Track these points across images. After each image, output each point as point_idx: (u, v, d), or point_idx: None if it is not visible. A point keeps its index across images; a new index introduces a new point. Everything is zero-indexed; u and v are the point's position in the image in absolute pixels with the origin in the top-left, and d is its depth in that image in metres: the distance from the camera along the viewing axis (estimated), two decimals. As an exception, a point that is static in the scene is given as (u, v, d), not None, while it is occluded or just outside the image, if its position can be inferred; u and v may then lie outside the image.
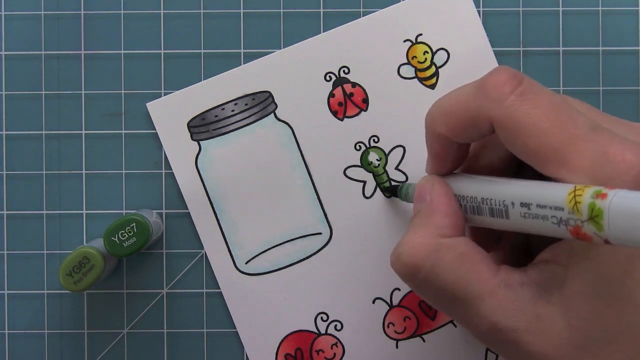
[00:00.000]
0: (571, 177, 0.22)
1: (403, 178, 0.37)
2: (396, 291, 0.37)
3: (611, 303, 0.23)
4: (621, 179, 0.21)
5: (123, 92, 0.37)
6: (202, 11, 0.37)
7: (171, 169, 0.37)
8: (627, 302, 0.23)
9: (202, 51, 0.37)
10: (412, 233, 0.26)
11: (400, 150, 0.37)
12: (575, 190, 0.21)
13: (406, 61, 0.37)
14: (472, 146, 0.29)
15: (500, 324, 0.24)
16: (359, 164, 0.37)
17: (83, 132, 0.37)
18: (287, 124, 0.37)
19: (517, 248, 0.30)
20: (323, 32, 0.37)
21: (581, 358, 0.23)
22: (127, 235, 0.33)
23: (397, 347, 0.37)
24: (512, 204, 0.24)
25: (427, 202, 0.27)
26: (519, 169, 0.28)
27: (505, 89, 0.24)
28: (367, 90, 0.37)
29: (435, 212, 0.26)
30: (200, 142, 0.37)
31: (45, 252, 0.37)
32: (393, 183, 0.37)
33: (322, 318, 0.37)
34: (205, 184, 0.37)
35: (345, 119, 0.37)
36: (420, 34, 0.37)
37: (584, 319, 0.23)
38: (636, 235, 0.19)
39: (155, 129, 0.37)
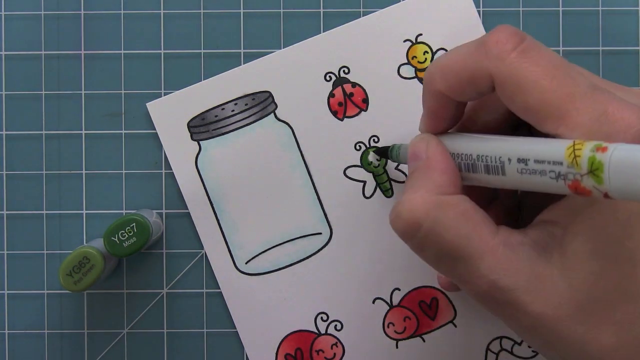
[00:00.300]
0: (570, 133, 0.22)
1: (403, 178, 0.37)
2: (396, 291, 0.37)
3: (611, 263, 0.23)
4: (620, 137, 0.22)
5: (123, 92, 0.37)
6: (202, 11, 0.37)
7: (171, 169, 0.37)
8: (628, 263, 0.23)
9: (202, 51, 0.37)
10: (411, 191, 0.26)
11: (400, 150, 0.37)
12: (574, 145, 0.21)
13: (406, 61, 0.37)
14: (467, 107, 0.28)
15: (499, 282, 0.24)
16: (359, 164, 0.37)
17: (83, 132, 0.37)
18: (287, 124, 0.37)
19: (510, 210, 0.30)
20: (323, 32, 0.37)
21: (581, 318, 0.23)
22: (127, 235, 0.33)
23: (397, 347, 0.37)
24: (509, 160, 0.24)
25: (422, 160, 0.27)
26: (514, 131, 0.28)
27: (506, 46, 0.24)
28: (367, 90, 0.37)
29: (432, 169, 0.26)
30: (200, 142, 0.37)
31: (45, 252, 0.37)
32: (396, 183, 0.37)
33: (322, 318, 0.37)
34: (205, 184, 0.37)
35: (345, 119, 0.37)
36: (420, 34, 0.37)
37: (584, 279, 0.23)
38: (637, 188, 0.19)
39: (155, 129, 0.37)
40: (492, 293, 0.24)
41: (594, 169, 0.20)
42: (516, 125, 0.28)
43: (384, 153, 0.35)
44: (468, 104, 0.28)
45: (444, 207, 0.25)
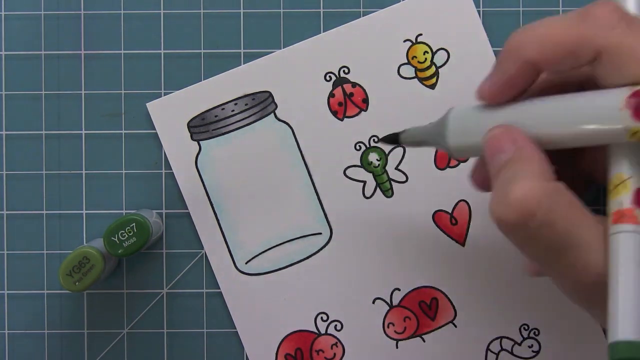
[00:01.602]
0: None
1: (403, 178, 0.37)
2: (396, 291, 0.37)
3: None
4: None
5: (123, 92, 0.37)
6: (202, 11, 0.37)
7: (171, 169, 0.37)
8: None
9: (202, 51, 0.37)
10: (515, 182, 0.24)
11: (400, 150, 0.37)
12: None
13: (406, 61, 0.37)
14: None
15: (607, 274, 0.23)
16: (359, 164, 0.37)
17: (83, 132, 0.37)
18: (287, 124, 0.37)
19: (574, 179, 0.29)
20: (323, 32, 0.37)
21: None
22: (127, 235, 0.33)
23: (397, 347, 0.37)
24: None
25: (511, 152, 0.25)
26: None
27: (614, 16, 0.24)
28: (367, 90, 0.37)
29: (530, 158, 0.25)
30: (200, 142, 0.37)
31: (45, 252, 0.37)
32: (396, 183, 0.37)
33: (322, 318, 0.37)
34: (205, 184, 0.37)
35: (345, 119, 0.37)
36: (420, 34, 0.37)
37: None
38: None
39: (155, 129, 0.37)
40: (597, 286, 0.23)
41: None
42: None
43: (393, 139, 0.32)
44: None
45: (557, 194, 0.24)
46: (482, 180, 0.30)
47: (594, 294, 0.24)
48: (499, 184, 0.25)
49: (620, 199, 0.24)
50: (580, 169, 0.30)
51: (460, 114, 0.28)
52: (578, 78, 0.28)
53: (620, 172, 0.24)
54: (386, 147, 0.37)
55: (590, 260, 0.24)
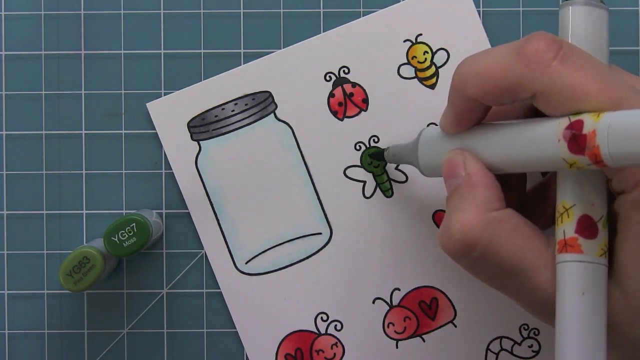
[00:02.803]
0: None
1: (403, 178, 0.37)
2: (396, 291, 0.37)
3: None
4: None
5: (123, 92, 0.37)
6: (202, 11, 0.37)
7: (171, 169, 0.37)
8: None
9: (202, 51, 0.37)
10: (459, 211, 0.25)
11: (400, 150, 0.37)
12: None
13: (406, 61, 0.37)
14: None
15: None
16: (359, 164, 0.37)
17: (83, 132, 0.37)
18: (287, 124, 0.37)
19: (526, 197, 0.30)
20: (323, 32, 0.37)
21: (639, 324, 0.23)
22: (127, 235, 0.33)
23: (397, 347, 0.37)
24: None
25: (462, 177, 0.26)
26: None
27: (547, 54, 0.23)
28: (367, 90, 0.37)
29: (476, 186, 0.26)
30: (200, 142, 0.37)
31: (45, 252, 0.37)
32: (396, 183, 0.37)
33: (322, 318, 0.37)
34: (205, 184, 0.37)
35: (345, 119, 0.37)
36: (420, 34, 0.37)
37: (638, 286, 0.23)
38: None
39: (155, 129, 0.37)
40: (551, 305, 0.24)
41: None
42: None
43: (379, 156, 0.35)
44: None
45: (497, 224, 0.25)
46: None
47: (549, 312, 0.24)
48: (447, 212, 0.26)
49: (564, 227, 0.24)
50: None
51: (429, 135, 0.30)
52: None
53: (564, 199, 0.24)
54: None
55: (537, 283, 0.24)
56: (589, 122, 0.22)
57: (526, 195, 0.31)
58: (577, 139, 0.22)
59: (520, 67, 0.24)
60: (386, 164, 0.37)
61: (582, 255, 0.23)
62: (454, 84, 0.27)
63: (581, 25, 0.26)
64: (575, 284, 0.23)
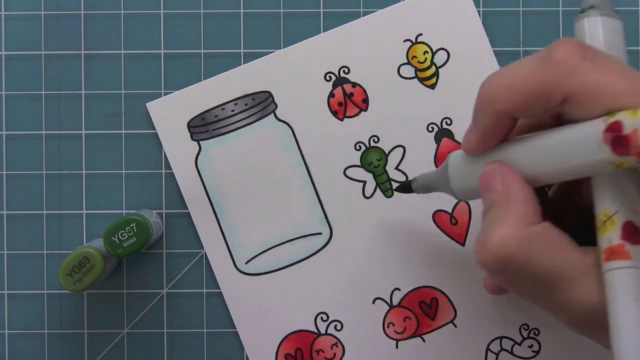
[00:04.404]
0: None
1: (403, 178, 0.37)
2: (396, 291, 0.37)
3: None
4: None
5: (123, 92, 0.37)
6: (202, 11, 0.37)
7: (171, 169, 0.37)
8: None
9: (202, 51, 0.37)
10: (496, 226, 0.25)
11: (400, 150, 0.37)
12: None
13: (406, 61, 0.37)
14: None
15: (599, 304, 0.23)
16: (359, 164, 0.37)
17: (83, 132, 0.37)
18: (287, 124, 0.37)
19: (583, 229, 0.30)
20: (323, 32, 0.37)
21: None
22: (127, 235, 0.33)
23: (397, 347, 0.37)
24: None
25: (499, 192, 0.26)
26: None
27: (575, 56, 0.24)
28: (367, 90, 0.37)
29: (514, 201, 0.25)
30: (200, 142, 0.37)
31: (45, 252, 0.37)
32: (396, 183, 0.37)
33: (322, 318, 0.37)
34: (205, 184, 0.37)
35: (345, 119, 0.37)
36: (420, 34, 0.37)
37: None
38: None
39: (155, 129, 0.37)
40: (592, 316, 0.24)
41: None
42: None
43: (407, 188, 0.33)
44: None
45: (534, 239, 0.25)
46: (494, 287, 0.32)
47: (589, 324, 0.24)
48: (484, 226, 0.26)
49: (609, 235, 0.23)
50: (583, 200, 0.31)
51: (457, 159, 0.29)
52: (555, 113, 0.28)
53: (606, 208, 0.24)
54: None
55: (578, 295, 0.24)
56: (628, 121, 0.22)
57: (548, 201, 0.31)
58: (620, 141, 0.22)
59: (549, 71, 0.24)
60: (386, 163, 0.37)
61: (631, 261, 0.23)
62: (481, 101, 0.27)
63: (598, 35, 0.26)
64: (628, 290, 0.23)
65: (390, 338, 0.37)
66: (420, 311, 0.37)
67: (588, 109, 0.23)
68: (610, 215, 0.24)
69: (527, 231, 0.25)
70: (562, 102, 0.24)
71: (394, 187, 0.36)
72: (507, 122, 0.26)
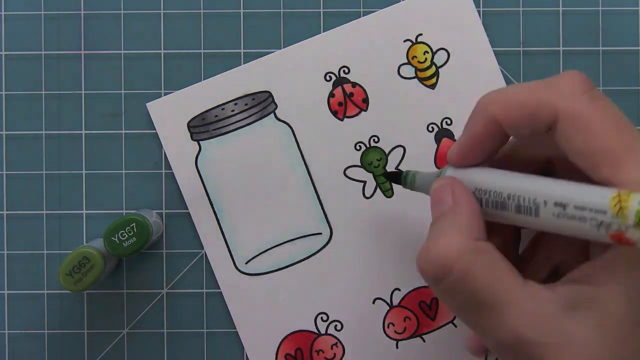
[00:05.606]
0: (624, 184, 0.23)
1: (403, 178, 0.37)
2: (396, 291, 0.37)
3: None
4: None
5: (123, 92, 0.37)
6: (202, 11, 0.37)
7: (171, 169, 0.37)
8: None
9: (202, 51, 0.37)
10: (440, 234, 0.26)
11: (400, 150, 0.37)
12: (619, 195, 0.22)
13: (406, 61, 0.37)
14: (506, 145, 0.28)
15: (525, 335, 0.23)
16: (359, 164, 0.37)
17: (83, 132, 0.37)
18: (287, 124, 0.37)
19: (508, 244, 0.30)
20: (323, 32, 0.37)
21: None
22: (127, 235, 0.33)
23: (397, 347, 0.37)
24: (545, 202, 0.24)
25: (449, 204, 0.27)
26: (548, 174, 0.28)
27: (578, 87, 0.25)
28: (367, 90, 0.37)
29: (461, 214, 0.26)
30: (200, 142, 0.37)
31: (45, 252, 0.37)
32: (393, 170, 0.36)
33: (322, 318, 0.37)
34: (205, 184, 0.37)
35: (345, 119, 0.37)
36: (420, 34, 0.37)
37: (620, 340, 0.23)
38: None
39: (155, 129, 0.37)
40: (517, 346, 0.24)
41: None
42: (545, 172, 0.28)
43: (396, 178, 0.33)
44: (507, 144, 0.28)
45: (476, 254, 0.25)
46: (476, 347, 0.31)
47: (513, 354, 0.24)
48: (429, 235, 0.26)
49: (633, 198, 0.23)
50: None
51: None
52: (544, 155, 0.29)
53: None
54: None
55: (508, 321, 0.24)
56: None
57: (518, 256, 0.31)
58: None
59: (548, 92, 0.25)
60: (386, 163, 0.37)
61: None
62: (476, 107, 0.27)
63: None
64: None
65: (390, 338, 0.37)
66: (420, 311, 0.37)
67: (573, 139, 0.24)
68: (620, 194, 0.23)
69: (470, 244, 0.25)
70: (552, 124, 0.25)
71: (384, 173, 0.36)
72: (496, 134, 0.27)
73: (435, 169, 0.31)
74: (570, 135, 0.24)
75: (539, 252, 0.30)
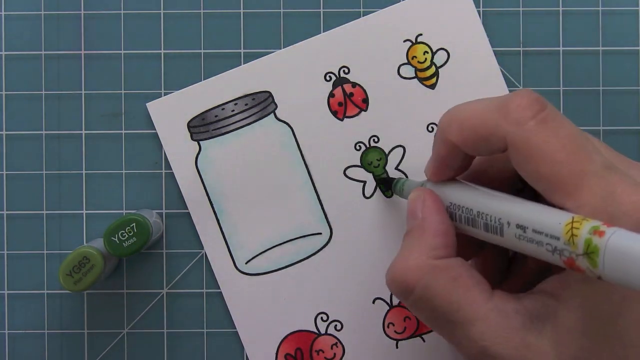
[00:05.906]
0: (576, 210, 0.22)
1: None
2: (396, 291, 0.37)
3: (602, 342, 0.23)
4: (625, 220, 0.22)
5: (123, 92, 0.37)
6: (202, 11, 0.37)
7: (171, 169, 0.37)
8: (618, 342, 0.23)
9: (202, 51, 0.37)
10: (405, 253, 0.26)
11: (400, 150, 0.37)
12: (573, 222, 0.21)
13: (406, 61, 0.37)
14: (477, 158, 0.28)
15: (489, 349, 0.24)
16: (359, 164, 0.37)
17: (83, 132, 0.37)
18: (287, 124, 0.37)
19: (500, 257, 0.30)
20: (323, 32, 0.37)
21: None
22: (127, 235, 0.33)
23: (397, 347, 0.37)
24: (508, 223, 0.24)
25: (418, 220, 0.27)
26: (519, 191, 0.28)
27: (527, 112, 0.24)
28: (367, 90, 0.37)
29: (426, 231, 0.26)
30: (200, 142, 0.37)
31: (45, 252, 0.37)
32: (389, 176, 0.37)
33: (322, 318, 0.37)
34: (205, 184, 0.37)
35: (345, 119, 0.37)
36: (420, 34, 0.37)
37: (575, 355, 0.23)
38: (630, 276, 0.19)
39: (155, 129, 0.37)
40: (482, 358, 0.24)
41: (590, 252, 0.20)
42: (525, 184, 0.28)
43: (388, 184, 0.35)
44: (478, 157, 0.28)
45: (436, 273, 0.25)
46: None
47: None
48: (399, 251, 0.27)
49: (584, 226, 0.22)
50: None
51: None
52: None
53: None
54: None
55: (472, 335, 0.24)
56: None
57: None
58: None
59: (499, 117, 0.24)
60: (386, 163, 0.37)
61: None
62: (438, 129, 0.27)
63: None
64: None
65: (390, 338, 0.37)
66: (420, 311, 0.37)
67: (523, 166, 0.24)
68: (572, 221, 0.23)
69: (431, 263, 0.25)
70: (505, 149, 0.24)
71: (376, 179, 0.37)
72: (458, 155, 0.27)
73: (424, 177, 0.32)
74: (520, 161, 0.24)
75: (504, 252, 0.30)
